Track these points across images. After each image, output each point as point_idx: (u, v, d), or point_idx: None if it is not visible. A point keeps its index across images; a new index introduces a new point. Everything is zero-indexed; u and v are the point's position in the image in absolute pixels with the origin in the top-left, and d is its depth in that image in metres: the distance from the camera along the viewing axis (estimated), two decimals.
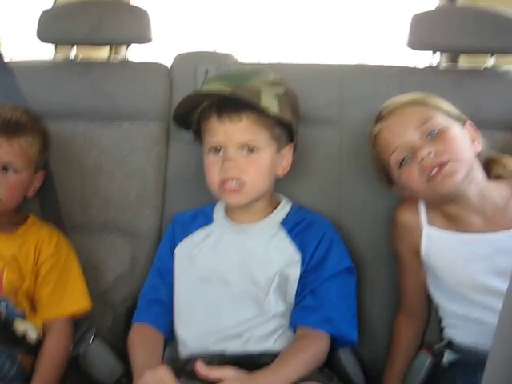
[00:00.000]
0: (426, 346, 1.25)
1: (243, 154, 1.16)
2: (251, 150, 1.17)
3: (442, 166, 1.09)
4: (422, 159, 1.10)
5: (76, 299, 1.26)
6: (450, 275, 1.17)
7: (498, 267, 1.11)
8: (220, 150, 1.18)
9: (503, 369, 0.48)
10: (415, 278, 1.25)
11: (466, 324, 1.17)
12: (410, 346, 1.26)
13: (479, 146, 1.18)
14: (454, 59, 1.87)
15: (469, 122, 1.20)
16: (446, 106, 1.20)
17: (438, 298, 1.22)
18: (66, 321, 1.24)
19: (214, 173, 1.18)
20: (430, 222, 1.20)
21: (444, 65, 1.59)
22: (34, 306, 1.25)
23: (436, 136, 1.13)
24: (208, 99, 1.19)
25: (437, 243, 1.19)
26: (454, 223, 1.17)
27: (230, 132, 1.16)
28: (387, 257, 1.33)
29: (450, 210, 1.17)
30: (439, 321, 1.26)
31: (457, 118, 1.18)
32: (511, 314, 0.51)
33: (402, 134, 1.15)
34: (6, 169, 1.20)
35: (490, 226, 1.14)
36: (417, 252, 1.21)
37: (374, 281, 1.36)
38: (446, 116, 1.17)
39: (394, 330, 1.28)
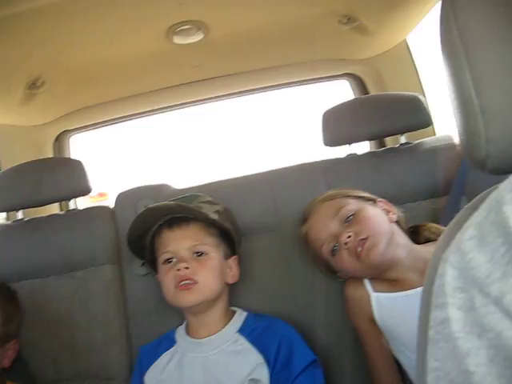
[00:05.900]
0: None
1: (193, 257, 1.26)
2: (200, 254, 1.27)
3: (363, 242, 1.22)
4: (346, 243, 1.24)
5: None
6: (405, 330, 1.22)
7: None
8: (173, 259, 1.27)
9: None
10: (379, 350, 1.30)
11: None
12: None
13: (395, 216, 1.32)
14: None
15: (379, 199, 1.35)
16: (355, 192, 1.36)
17: (404, 359, 1.25)
18: None
19: (168, 278, 1.26)
20: (376, 290, 1.29)
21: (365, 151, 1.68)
22: None
23: (352, 219, 1.27)
24: (158, 220, 1.31)
25: (386, 305, 1.27)
26: (396, 285, 1.26)
27: (180, 238, 1.27)
28: (349, 342, 1.37)
29: (389, 275, 1.27)
30: None
31: (367, 199, 1.34)
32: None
33: (323, 228, 1.30)
34: None
35: None
36: (372, 319, 1.28)
37: (342, 368, 1.38)
38: (356, 200, 1.32)
39: None
